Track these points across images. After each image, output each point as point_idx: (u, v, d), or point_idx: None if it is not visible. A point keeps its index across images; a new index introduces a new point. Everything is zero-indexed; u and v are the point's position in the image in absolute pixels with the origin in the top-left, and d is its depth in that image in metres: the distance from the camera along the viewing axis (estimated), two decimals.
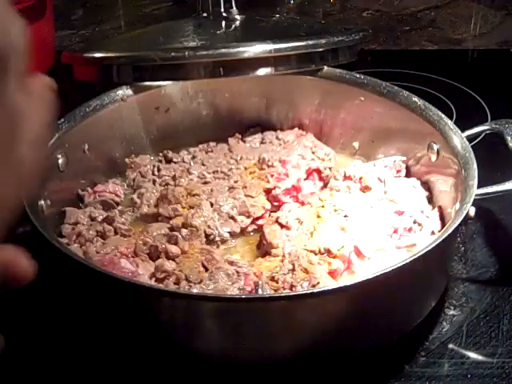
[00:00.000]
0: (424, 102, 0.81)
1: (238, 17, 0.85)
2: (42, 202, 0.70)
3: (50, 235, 0.62)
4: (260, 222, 0.78)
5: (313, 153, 0.86)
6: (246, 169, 0.85)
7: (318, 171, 0.84)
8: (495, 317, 0.70)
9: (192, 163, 0.86)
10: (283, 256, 0.70)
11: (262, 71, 0.78)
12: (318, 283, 0.65)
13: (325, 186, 0.84)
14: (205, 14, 0.85)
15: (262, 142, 0.91)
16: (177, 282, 0.66)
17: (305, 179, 0.83)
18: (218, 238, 0.75)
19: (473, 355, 0.66)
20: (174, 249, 0.70)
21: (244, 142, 0.91)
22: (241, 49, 0.74)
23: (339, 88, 0.88)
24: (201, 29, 0.83)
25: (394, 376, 0.64)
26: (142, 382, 0.64)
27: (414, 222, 0.73)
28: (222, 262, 0.69)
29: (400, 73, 1.18)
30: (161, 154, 0.88)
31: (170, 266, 0.67)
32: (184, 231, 0.73)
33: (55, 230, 0.72)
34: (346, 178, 0.81)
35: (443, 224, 0.73)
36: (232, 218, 0.77)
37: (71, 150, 0.78)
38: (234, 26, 0.84)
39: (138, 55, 0.77)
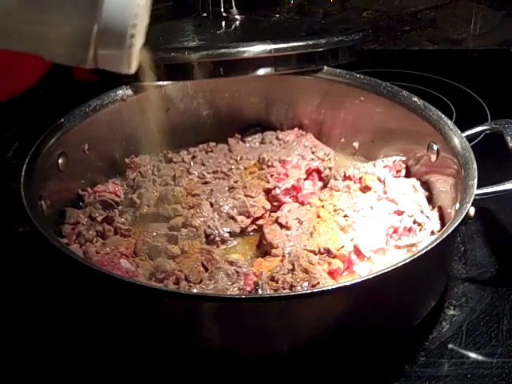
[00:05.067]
0: (424, 102, 0.81)
1: (238, 17, 0.85)
2: (42, 202, 0.70)
3: (50, 235, 0.62)
4: (260, 222, 0.78)
5: (313, 153, 0.86)
6: (245, 169, 0.85)
7: (318, 171, 0.84)
8: (495, 317, 0.70)
9: (192, 163, 0.86)
10: (283, 256, 0.70)
11: (261, 71, 0.78)
12: (318, 283, 0.65)
13: (325, 186, 0.84)
14: (205, 14, 0.85)
15: (261, 142, 0.91)
16: (177, 282, 0.66)
17: (305, 179, 0.83)
18: (218, 238, 0.75)
19: (473, 355, 0.66)
20: (174, 249, 0.70)
21: (244, 142, 0.91)
22: (241, 49, 0.75)
23: (339, 88, 0.88)
24: (201, 29, 0.83)
25: (394, 376, 0.64)
26: (141, 382, 0.64)
27: (414, 222, 0.73)
28: (222, 262, 0.69)
29: (400, 73, 1.18)
30: (161, 154, 0.88)
31: (170, 266, 0.67)
32: (184, 231, 0.73)
33: (55, 230, 0.72)
34: (345, 178, 0.81)
35: (443, 224, 0.73)
36: (232, 217, 0.77)
37: (71, 150, 0.78)
38: (233, 25, 0.84)
39: None
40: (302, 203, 0.80)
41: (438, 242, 0.60)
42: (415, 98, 0.81)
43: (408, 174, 0.82)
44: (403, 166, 0.83)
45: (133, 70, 0.51)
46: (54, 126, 0.77)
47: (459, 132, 0.75)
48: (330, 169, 0.85)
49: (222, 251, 0.74)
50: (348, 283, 0.57)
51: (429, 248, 0.59)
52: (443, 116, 0.78)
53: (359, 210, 0.75)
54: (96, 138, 0.83)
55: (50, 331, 0.69)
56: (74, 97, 0.85)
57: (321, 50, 0.79)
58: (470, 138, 0.75)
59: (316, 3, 1.54)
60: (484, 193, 0.67)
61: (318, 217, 0.75)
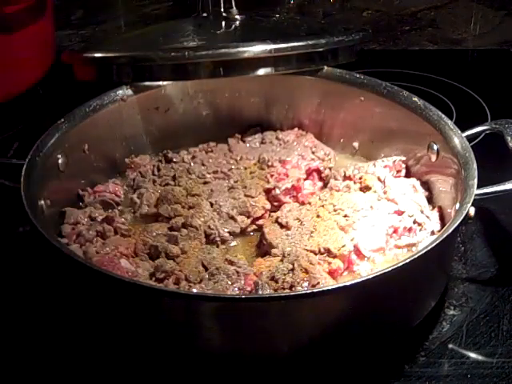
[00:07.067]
0: (424, 102, 0.81)
1: (238, 17, 0.85)
2: (42, 201, 0.70)
3: (50, 235, 0.62)
4: (260, 222, 0.78)
5: (313, 153, 0.86)
6: (245, 169, 0.85)
7: (318, 171, 0.84)
8: (495, 317, 0.70)
9: (192, 163, 0.86)
10: (283, 256, 0.70)
11: (261, 71, 0.78)
12: (318, 283, 0.65)
13: (325, 186, 0.84)
14: (205, 14, 0.85)
15: (262, 142, 0.91)
16: (177, 282, 0.66)
17: (305, 179, 0.83)
18: (218, 238, 0.75)
19: (473, 355, 0.66)
20: (174, 249, 0.70)
21: (244, 142, 0.91)
22: (241, 49, 0.74)
23: (339, 88, 0.88)
24: (201, 29, 0.83)
25: (394, 376, 0.64)
26: (141, 382, 0.64)
27: (414, 222, 0.73)
28: (222, 262, 0.69)
29: (400, 73, 1.18)
30: (161, 154, 0.88)
31: (170, 265, 0.67)
32: (184, 231, 0.73)
33: (55, 230, 0.72)
34: (345, 178, 0.81)
35: (443, 224, 0.73)
36: (232, 218, 0.77)
37: (71, 150, 0.78)
38: (233, 25, 0.84)
39: (138, 55, 0.77)
40: (302, 203, 0.80)
41: (438, 242, 0.60)
42: (415, 98, 0.81)
43: (408, 174, 0.82)
44: (403, 165, 0.83)
45: None
46: (54, 126, 0.77)
47: (459, 132, 0.75)
48: (330, 169, 0.85)
49: (222, 251, 0.74)
50: (348, 283, 0.57)
51: (429, 248, 0.59)
52: (443, 116, 0.78)
53: (359, 210, 0.75)
54: (96, 138, 0.83)
55: (50, 331, 0.69)
56: (74, 97, 0.85)
57: (321, 49, 0.79)
58: (470, 138, 0.75)
59: (316, 3, 1.54)
60: (484, 193, 0.67)
61: (318, 217, 0.75)
